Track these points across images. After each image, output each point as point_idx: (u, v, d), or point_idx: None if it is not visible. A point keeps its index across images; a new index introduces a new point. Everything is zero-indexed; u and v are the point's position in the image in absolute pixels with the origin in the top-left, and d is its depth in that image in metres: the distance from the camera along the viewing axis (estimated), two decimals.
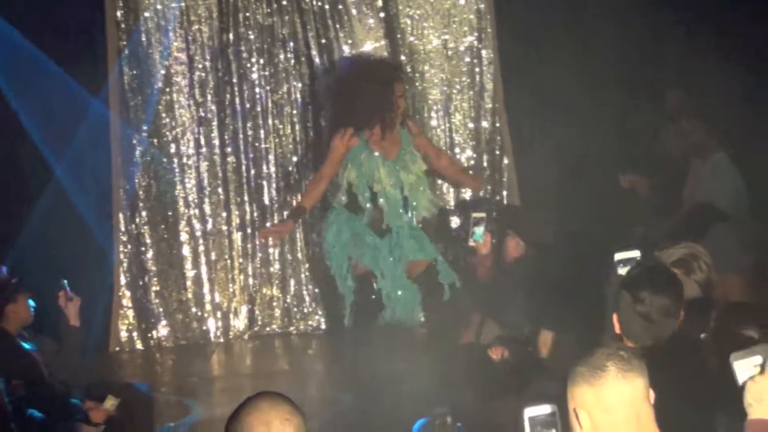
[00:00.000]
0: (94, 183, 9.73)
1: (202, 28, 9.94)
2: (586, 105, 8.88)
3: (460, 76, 10.03)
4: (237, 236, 10.08)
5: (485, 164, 10.03)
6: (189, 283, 10.04)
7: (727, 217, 7.88)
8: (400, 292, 8.00)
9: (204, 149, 10.00)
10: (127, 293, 9.94)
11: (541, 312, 6.58)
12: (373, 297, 7.93)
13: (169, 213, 10.00)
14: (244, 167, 10.04)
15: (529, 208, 9.29)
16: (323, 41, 9.93)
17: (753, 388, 3.37)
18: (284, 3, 9.92)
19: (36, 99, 9.20)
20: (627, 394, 3.22)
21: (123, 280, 9.94)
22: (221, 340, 10.04)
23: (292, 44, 9.98)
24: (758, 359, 3.39)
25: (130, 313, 9.95)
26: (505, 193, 10.02)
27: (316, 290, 10.05)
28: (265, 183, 10.06)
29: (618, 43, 8.87)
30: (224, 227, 10.08)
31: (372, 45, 9.90)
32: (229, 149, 10.03)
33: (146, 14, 9.82)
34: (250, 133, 10.02)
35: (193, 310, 10.04)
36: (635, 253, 5.15)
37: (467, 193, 9.95)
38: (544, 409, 3.40)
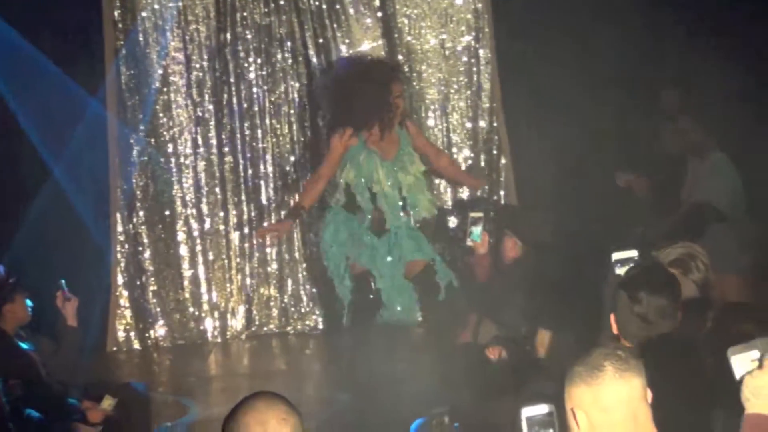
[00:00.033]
0: (91, 183, 9.73)
1: (199, 28, 9.94)
2: (584, 104, 8.87)
3: (457, 75, 10.03)
4: (234, 236, 10.08)
5: (483, 164, 10.03)
6: (186, 282, 10.04)
7: (724, 217, 7.88)
8: (397, 292, 8.01)
9: (201, 149, 10.00)
10: (125, 293, 9.94)
11: (539, 312, 6.58)
12: (371, 297, 7.93)
13: (167, 213, 10.00)
14: (241, 167, 10.04)
15: (526, 208, 9.30)
16: (321, 41, 9.93)
17: (751, 382, 3.36)
18: (281, 3, 9.92)
19: (33, 99, 9.19)
20: (624, 394, 3.22)
21: (120, 280, 9.94)
22: (218, 339, 10.04)
23: (289, 44, 9.98)
24: (755, 354, 3.39)
25: (128, 312, 9.94)
26: (502, 192, 10.03)
27: (314, 290, 10.05)
28: (262, 183, 10.06)
29: (616, 43, 8.86)
30: (221, 227, 10.07)
31: (369, 45, 9.90)
32: (226, 149, 10.03)
33: (143, 14, 9.82)
34: (247, 132, 10.02)
35: (191, 309, 10.04)
36: (633, 253, 5.15)
37: (465, 193, 9.95)
38: (541, 409, 3.40)
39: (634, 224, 8.29)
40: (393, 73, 8.21)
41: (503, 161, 10.01)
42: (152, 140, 9.93)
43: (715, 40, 8.40)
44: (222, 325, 10.05)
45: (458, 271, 8.38)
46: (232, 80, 9.97)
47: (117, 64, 9.78)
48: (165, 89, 9.92)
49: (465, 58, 10.01)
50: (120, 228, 9.91)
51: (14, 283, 6.82)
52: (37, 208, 9.35)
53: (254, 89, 10.00)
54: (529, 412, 3.40)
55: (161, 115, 9.92)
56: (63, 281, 7.05)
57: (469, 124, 10.04)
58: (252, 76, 9.99)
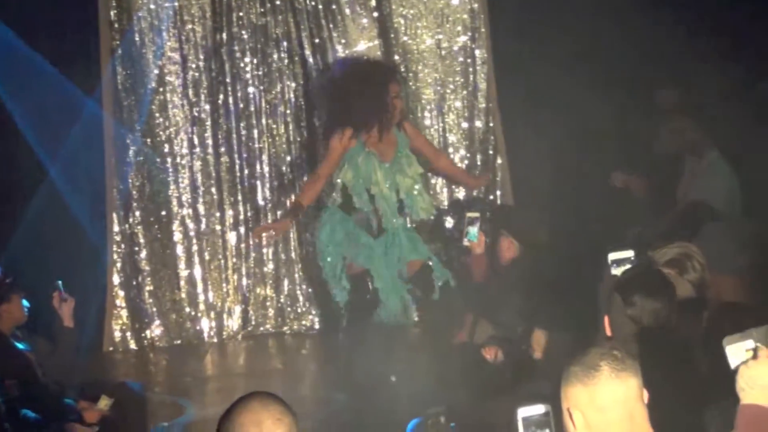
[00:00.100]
0: (87, 183, 9.72)
1: (195, 28, 9.94)
2: (580, 104, 8.87)
3: (453, 75, 10.04)
4: (231, 236, 10.08)
5: (479, 164, 10.03)
6: (182, 282, 10.04)
7: (720, 216, 7.88)
8: (394, 293, 8.01)
9: (197, 149, 10.00)
10: (121, 293, 9.94)
11: (535, 312, 6.58)
12: (368, 297, 7.94)
13: (163, 213, 10.00)
14: (237, 167, 10.04)
15: (522, 208, 9.30)
16: (317, 41, 9.93)
17: (746, 372, 3.37)
18: (278, 3, 9.92)
19: (30, 99, 9.19)
20: (620, 394, 3.23)
21: (116, 280, 9.93)
22: (215, 339, 10.04)
23: (285, 44, 9.98)
24: (750, 343, 3.40)
25: (124, 312, 9.94)
26: (498, 192, 10.03)
27: (310, 290, 10.05)
28: (258, 183, 10.06)
29: (613, 42, 8.87)
30: (218, 227, 10.08)
31: (365, 45, 9.91)
32: (222, 149, 10.03)
33: (139, 14, 9.82)
34: (243, 132, 10.02)
35: (187, 309, 10.04)
36: (629, 253, 5.15)
37: (461, 193, 9.96)
38: (537, 409, 3.40)
39: (631, 224, 8.29)
40: (390, 74, 8.22)
41: (499, 161, 10.01)
42: (148, 140, 9.93)
43: (713, 40, 8.40)
44: (218, 325, 10.05)
45: (455, 271, 8.39)
46: (228, 80, 9.97)
47: (113, 64, 9.78)
48: (161, 89, 9.92)
49: (461, 58, 10.02)
50: (116, 228, 9.90)
51: (10, 283, 6.82)
52: (34, 208, 9.36)
53: (250, 89, 10.00)
54: (525, 412, 3.40)
55: (157, 115, 9.92)
56: (60, 282, 7.05)
57: (465, 124, 10.05)
58: (248, 76, 9.99)
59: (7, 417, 6.13)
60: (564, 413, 3.29)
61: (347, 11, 9.90)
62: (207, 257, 10.05)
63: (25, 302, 6.82)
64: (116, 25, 9.80)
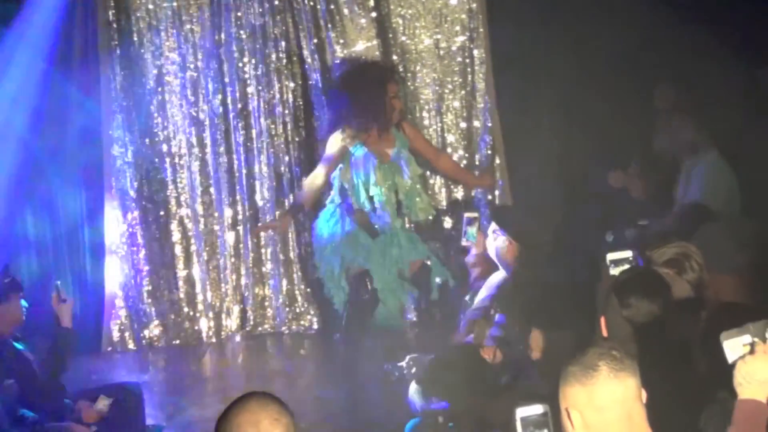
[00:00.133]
0: (86, 183, 9.73)
1: (193, 28, 9.92)
2: (579, 104, 8.88)
3: (451, 75, 10.03)
4: (229, 236, 10.07)
5: (477, 164, 10.02)
6: (181, 282, 10.03)
7: (719, 216, 7.88)
8: (393, 293, 8.02)
9: (196, 149, 9.98)
10: (120, 293, 9.93)
11: (533, 312, 6.58)
12: (366, 297, 7.94)
13: (161, 213, 9.99)
14: (236, 167, 10.03)
15: (521, 208, 9.29)
16: (315, 41, 9.91)
17: (743, 368, 3.38)
18: (276, 3, 9.90)
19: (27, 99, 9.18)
20: (619, 394, 3.23)
21: (115, 280, 9.92)
22: (213, 339, 10.03)
23: (283, 44, 9.96)
24: (747, 338, 3.41)
25: (123, 312, 9.93)
26: (497, 192, 10.02)
27: (308, 290, 10.04)
28: (257, 183, 10.05)
29: (611, 42, 8.87)
30: (216, 227, 10.07)
31: (364, 45, 9.89)
32: (221, 149, 10.01)
33: (138, 14, 9.80)
34: (242, 132, 10.01)
35: (186, 309, 10.03)
36: (627, 253, 5.15)
37: (459, 193, 9.96)
38: (536, 409, 3.41)
39: (629, 224, 8.29)
40: (389, 74, 8.23)
41: (497, 161, 10.00)
42: (147, 140, 9.92)
43: (712, 39, 8.40)
44: (217, 325, 10.05)
45: (453, 271, 8.39)
46: (226, 80, 9.96)
47: (112, 64, 9.77)
48: (160, 89, 9.90)
49: (459, 58, 10.01)
50: (115, 228, 9.89)
51: (9, 283, 6.82)
52: (32, 208, 9.37)
53: (249, 89, 9.99)
54: (523, 412, 3.40)
55: (156, 115, 9.91)
56: (59, 282, 7.06)
57: (463, 124, 10.04)
58: (246, 76, 9.98)
59: (6, 417, 6.13)
60: (562, 413, 3.30)
61: (345, 11, 9.89)
62: (205, 257, 10.04)
63: (23, 302, 6.83)
64: (115, 25, 9.79)
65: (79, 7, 9.59)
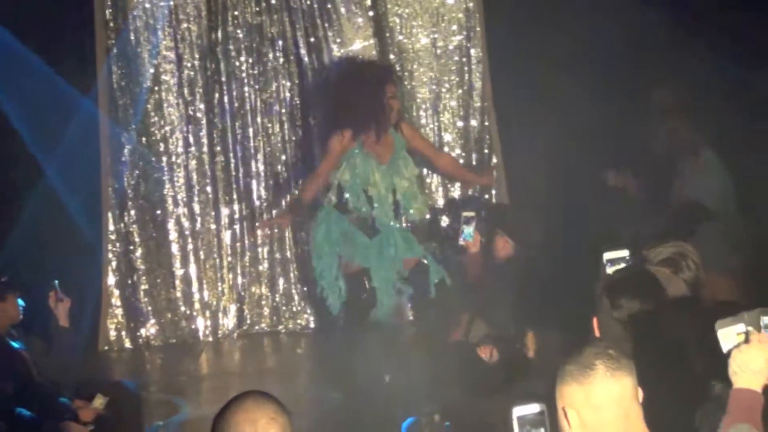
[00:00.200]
0: (83, 182, 9.71)
1: (190, 27, 9.93)
2: (576, 103, 8.87)
3: (449, 74, 10.04)
4: (226, 235, 10.08)
5: (474, 163, 10.03)
6: (178, 281, 10.04)
7: (715, 216, 7.89)
8: (390, 291, 8.02)
9: (193, 148, 10.00)
10: (116, 292, 9.94)
11: (530, 311, 6.58)
12: (364, 296, 7.95)
13: (158, 212, 10.00)
14: (232, 166, 10.04)
15: (518, 207, 9.29)
16: (312, 40, 9.92)
17: (738, 357, 3.39)
18: (273, 2, 9.91)
19: (25, 99, 9.18)
20: (616, 393, 3.23)
21: (112, 279, 9.93)
22: (210, 338, 10.04)
23: (280, 43, 9.97)
24: (741, 327, 3.42)
25: (119, 311, 9.94)
26: (494, 192, 10.02)
27: (305, 289, 10.05)
28: (253, 182, 10.06)
29: (609, 42, 8.86)
30: (213, 226, 10.07)
31: (360, 44, 9.90)
32: (218, 148, 10.02)
33: (135, 13, 9.81)
34: (238, 131, 10.02)
35: (182, 308, 10.04)
36: (624, 253, 5.14)
37: (456, 192, 9.96)
38: (532, 408, 3.41)
39: (626, 223, 8.29)
40: (386, 74, 8.23)
41: (495, 160, 10.01)
42: (144, 139, 9.93)
43: (711, 40, 8.40)
44: (213, 324, 10.05)
45: (450, 270, 8.39)
46: (223, 79, 9.97)
47: (108, 63, 9.77)
48: (156, 88, 9.91)
49: (456, 57, 10.02)
50: (111, 227, 9.90)
51: (6, 282, 6.82)
52: (30, 207, 9.36)
53: (246, 88, 10.00)
54: (520, 411, 3.40)
55: (153, 114, 9.91)
56: (56, 282, 7.06)
57: (460, 123, 10.05)
58: (243, 75, 9.98)
59: (2, 415, 6.13)
60: (559, 412, 3.30)
61: (342, 10, 9.90)
62: (202, 256, 10.05)
63: (20, 301, 6.83)
64: (111, 24, 9.79)
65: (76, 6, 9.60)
